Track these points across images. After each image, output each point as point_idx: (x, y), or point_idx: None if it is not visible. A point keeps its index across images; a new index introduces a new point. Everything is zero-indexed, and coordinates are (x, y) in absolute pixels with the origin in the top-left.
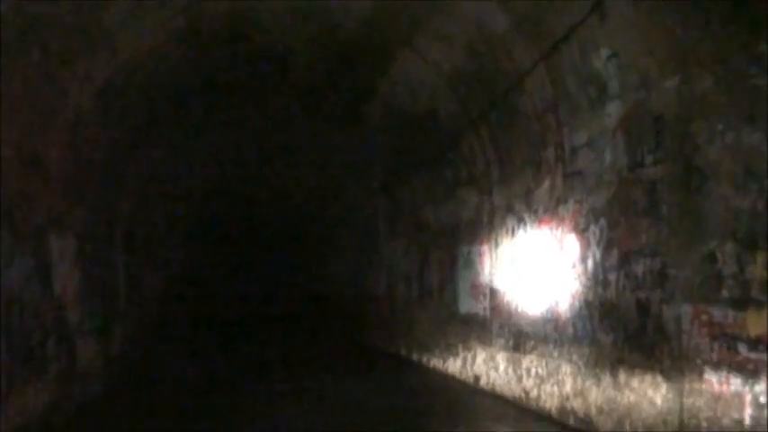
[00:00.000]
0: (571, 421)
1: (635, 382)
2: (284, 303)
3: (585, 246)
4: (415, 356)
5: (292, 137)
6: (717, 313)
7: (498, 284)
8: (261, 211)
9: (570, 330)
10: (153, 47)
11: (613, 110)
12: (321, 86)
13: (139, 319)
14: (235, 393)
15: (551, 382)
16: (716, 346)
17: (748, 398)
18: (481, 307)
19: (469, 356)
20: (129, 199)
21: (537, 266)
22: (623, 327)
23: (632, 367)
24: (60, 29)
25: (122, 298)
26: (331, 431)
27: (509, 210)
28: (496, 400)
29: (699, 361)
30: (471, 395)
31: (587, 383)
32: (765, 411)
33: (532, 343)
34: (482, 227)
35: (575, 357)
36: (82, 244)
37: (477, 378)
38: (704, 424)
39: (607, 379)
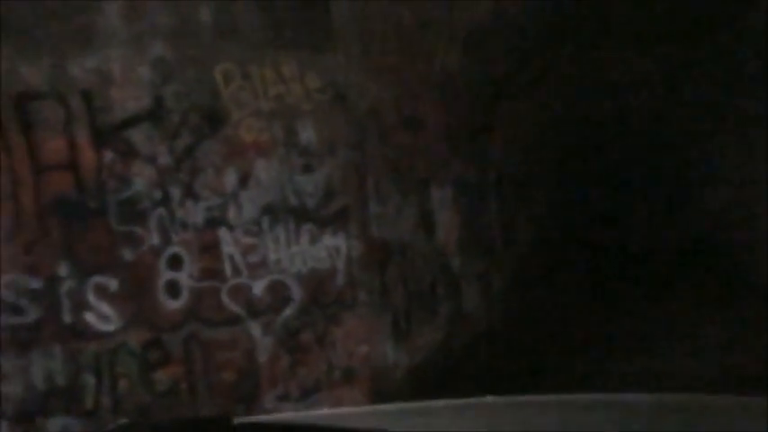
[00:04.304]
0: None
1: None
2: (648, 252)
3: None
4: None
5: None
6: None
7: None
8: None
9: None
10: None
11: None
12: None
13: (514, 264)
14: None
15: None
16: None
17: None
18: None
19: None
20: (497, 145)
21: None
22: None
23: None
24: None
25: (497, 243)
26: None
27: None
28: None
29: None
30: None
31: None
32: None
33: None
34: None
35: None
36: (458, 193)
37: None
38: None
39: None
